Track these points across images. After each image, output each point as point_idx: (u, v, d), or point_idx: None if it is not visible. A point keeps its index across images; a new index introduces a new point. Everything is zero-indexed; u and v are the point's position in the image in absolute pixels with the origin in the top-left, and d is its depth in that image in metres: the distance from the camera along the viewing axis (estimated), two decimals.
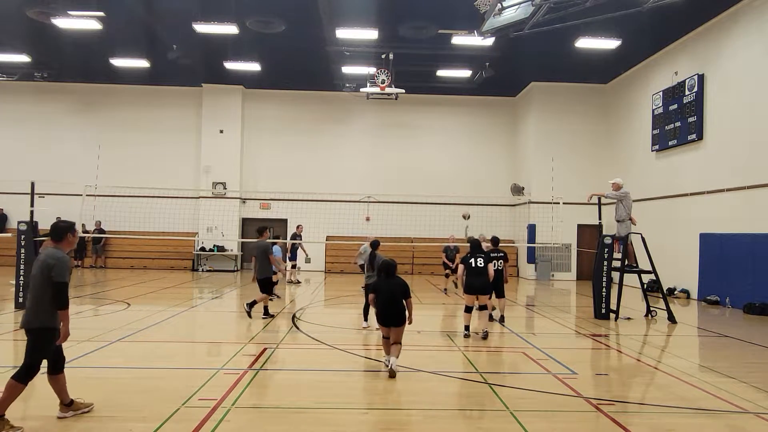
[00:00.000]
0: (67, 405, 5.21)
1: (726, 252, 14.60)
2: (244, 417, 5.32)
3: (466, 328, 9.43)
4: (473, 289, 9.38)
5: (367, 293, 10.24)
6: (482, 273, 9.36)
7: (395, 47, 17.86)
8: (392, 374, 6.74)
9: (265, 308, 11.01)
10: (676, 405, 6.00)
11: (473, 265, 9.36)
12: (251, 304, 10.81)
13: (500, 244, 11.20)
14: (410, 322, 7.14)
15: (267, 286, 11.12)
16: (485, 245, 10.87)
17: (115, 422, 5.14)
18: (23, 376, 4.83)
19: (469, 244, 9.85)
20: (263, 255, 11.09)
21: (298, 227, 18.49)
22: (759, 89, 13.87)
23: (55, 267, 4.89)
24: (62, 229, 5.16)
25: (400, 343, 7.06)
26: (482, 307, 9.84)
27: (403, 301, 7.03)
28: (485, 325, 9.50)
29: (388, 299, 7.00)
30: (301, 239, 18.57)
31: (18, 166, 21.83)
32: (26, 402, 5.84)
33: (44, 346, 4.93)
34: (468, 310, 9.48)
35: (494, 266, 10.18)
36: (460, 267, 9.70)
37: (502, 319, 11.04)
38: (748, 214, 14.00)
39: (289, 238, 19.48)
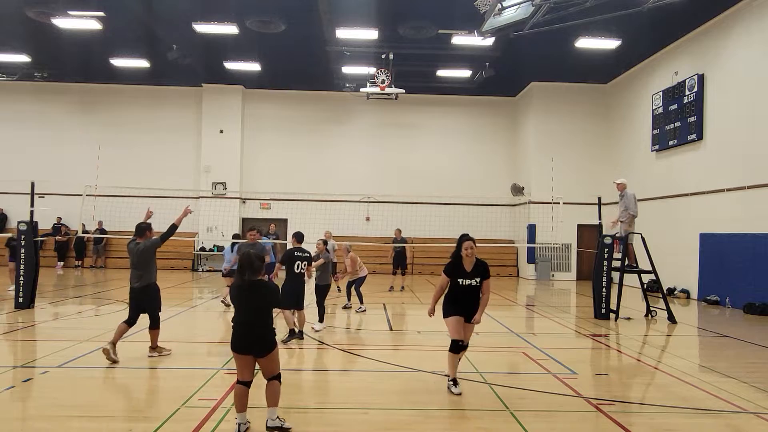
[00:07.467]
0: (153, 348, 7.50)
1: (726, 252, 14.59)
2: None
3: (454, 382, 6.18)
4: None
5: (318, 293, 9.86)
6: (473, 292, 6.20)
7: (395, 47, 17.85)
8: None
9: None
10: (676, 405, 6.00)
11: (462, 282, 6.14)
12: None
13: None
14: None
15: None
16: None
17: (115, 422, 5.15)
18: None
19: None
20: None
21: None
22: (759, 89, 13.86)
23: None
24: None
25: (279, 380, 4.84)
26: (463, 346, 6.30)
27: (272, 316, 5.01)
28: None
29: (247, 314, 4.83)
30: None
31: (18, 167, 21.81)
32: (26, 402, 5.85)
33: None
34: (456, 348, 6.18)
35: (297, 268, 8.54)
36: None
37: (300, 334, 8.77)
38: (748, 214, 13.99)
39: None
